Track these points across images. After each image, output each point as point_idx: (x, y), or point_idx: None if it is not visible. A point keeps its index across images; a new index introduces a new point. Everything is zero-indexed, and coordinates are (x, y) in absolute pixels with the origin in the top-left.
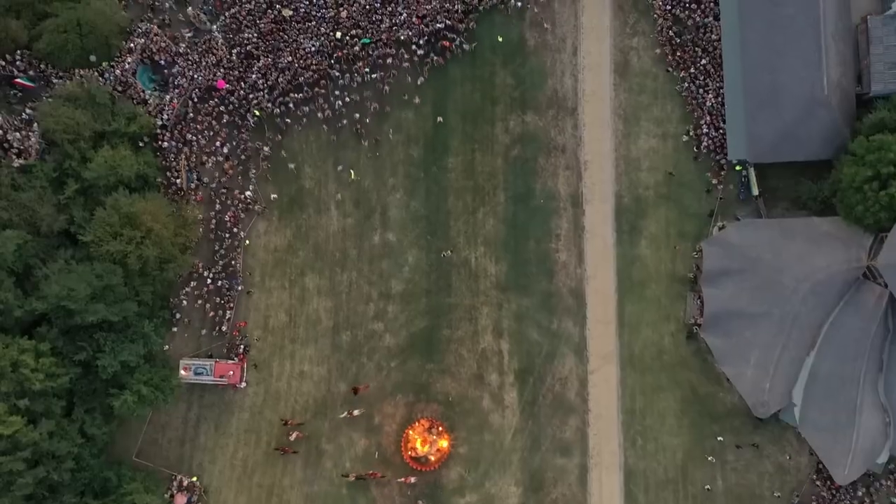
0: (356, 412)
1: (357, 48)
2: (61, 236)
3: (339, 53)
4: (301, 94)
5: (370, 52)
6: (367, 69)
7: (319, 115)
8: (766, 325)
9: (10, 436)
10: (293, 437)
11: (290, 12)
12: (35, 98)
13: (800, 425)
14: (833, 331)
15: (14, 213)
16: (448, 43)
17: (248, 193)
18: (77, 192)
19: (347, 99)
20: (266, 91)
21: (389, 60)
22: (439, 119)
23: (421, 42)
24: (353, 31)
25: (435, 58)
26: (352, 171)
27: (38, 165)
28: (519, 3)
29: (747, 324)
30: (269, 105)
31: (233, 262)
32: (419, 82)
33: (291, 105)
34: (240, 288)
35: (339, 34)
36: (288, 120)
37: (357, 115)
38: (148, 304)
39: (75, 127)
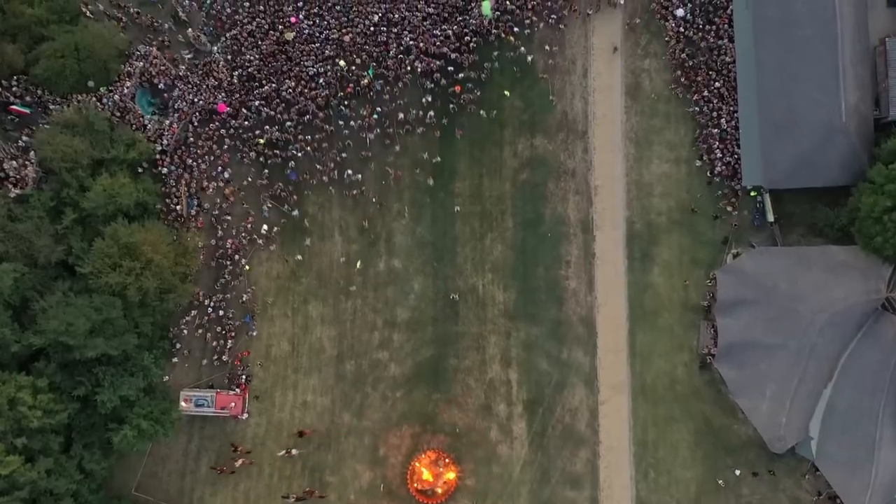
0: (294, 451)
1: (365, 81)
2: (59, 267)
3: (348, 89)
4: (305, 137)
5: (376, 90)
6: (375, 116)
7: (321, 172)
8: (782, 357)
9: (8, 475)
10: (239, 463)
11: (293, 34)
12: (31, 125)
13: (817, 459)
14: (851, 363)
15: (10, 244)
16: (459, 87)
17: (262, 229)
18: (75, 222)
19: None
20: (274, 129)
21: (400, 116)
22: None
23: (429, 85)
24: (357, 60)
25: (444, 120)
26: (359, 262)
27: (36, 195)
28: (527, 53)
29: (763, 355)
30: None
31: (242, 301)
32: (432, 140)
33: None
34: (254, 333)
35: (342, 62)
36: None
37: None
38: (147, 335)
39: (73, 155)
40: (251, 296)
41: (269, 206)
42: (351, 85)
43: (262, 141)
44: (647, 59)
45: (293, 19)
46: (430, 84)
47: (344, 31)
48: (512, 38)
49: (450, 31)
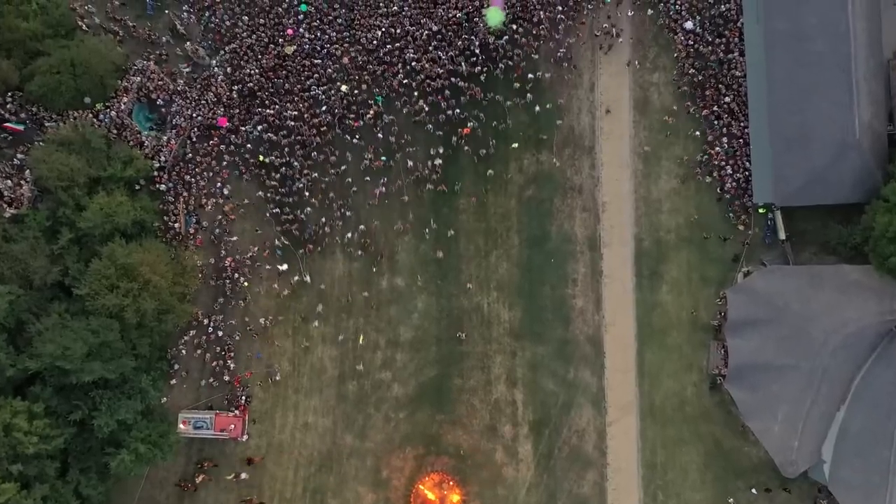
0: (243, 475)
1: (372, 112)
2: (55, 288)
3: (356, 124)
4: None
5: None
6: (383, 157)
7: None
8: (795, 379)
9: (4, 503)
10: (200, 479)
11: (293, 48)
12: (26, 143)
13: (830, 484)
14: (864, 385)
15: (5, 265)
16: (468, 130)
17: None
18: (71, 242)
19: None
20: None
21: (409, 164)
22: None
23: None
24: (363, 85)
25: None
26: (361, 336)
27: (31, 215)
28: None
29: (774, 377)
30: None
31: (249, 329)
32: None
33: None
34: (260, 355)
35: (344, 88)
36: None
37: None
38: (145, 356)
39: (69, 173)
40: (249, 310)
41: (282, 244)
42: (359, 120)
43: (261, 158)
44: (655, 72)
45: (290, 31)
46: (443, 111)
47: (345, 48)
48: (520, 84)
49: (452, 54)
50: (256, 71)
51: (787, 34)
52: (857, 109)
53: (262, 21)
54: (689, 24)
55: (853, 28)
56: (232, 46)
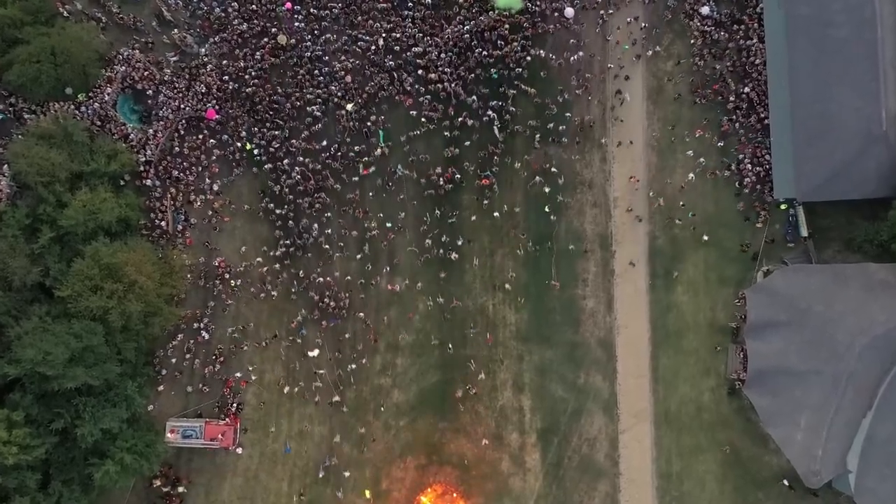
0: (181, 489)
1: (378, 152)
2: (35, 290)
3: (364, 172)
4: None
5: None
6: (389, 184)
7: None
8: (818, 384)
9: None
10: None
11: (286, 38)
12: (4, 136)
13: (856, 495)
14: (892, 391)
15: None
16: (486, 181)
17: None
18: (52, 241)
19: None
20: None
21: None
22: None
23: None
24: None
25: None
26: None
27: (9, 212)
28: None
29: (796, 382)
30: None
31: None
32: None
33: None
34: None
35: (349, 106)
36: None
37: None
38: (131, 361)
39: (50, 168)
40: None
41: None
42: (367, 169)
43: (248, 146)
44: (669, 60)
45: (288, 5)
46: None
47: (344, 60)
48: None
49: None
50: (251, 65)
51: (810, 20)
52: (884, 99)
53: (253, 7)
54: (705, 9)
55: (880, 13)
56: (223, 34)
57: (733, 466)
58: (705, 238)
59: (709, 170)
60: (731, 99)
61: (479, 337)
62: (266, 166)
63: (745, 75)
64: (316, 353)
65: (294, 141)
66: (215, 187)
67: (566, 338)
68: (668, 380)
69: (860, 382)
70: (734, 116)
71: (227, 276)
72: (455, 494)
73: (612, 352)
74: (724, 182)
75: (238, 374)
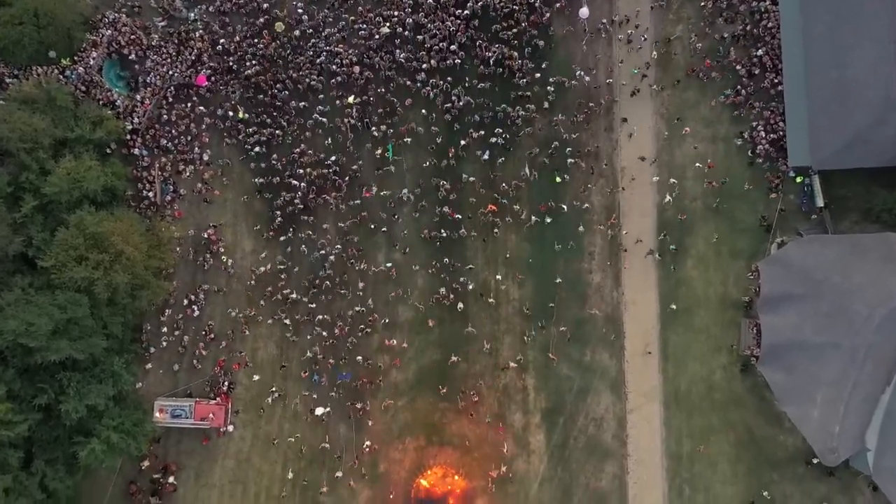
0: (171, 479)
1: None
2: (18, 261)
3: (366, 194)
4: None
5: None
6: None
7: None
8: (835, 359)
9: None
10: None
11: (283, 27)
12: None
13: (874, 474)
14: None
15: None
16: (494, 207)
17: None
18: (35, 210)
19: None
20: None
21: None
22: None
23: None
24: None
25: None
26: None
27: None
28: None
29: (813, 357)
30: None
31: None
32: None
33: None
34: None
35: (350, 99)
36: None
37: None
38: (117, 337)
39: (33, 134)
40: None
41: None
42: (370, 191)
43: (241, 115)
44: (679, 24)
45: None
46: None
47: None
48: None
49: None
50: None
51: None
52: None
53: None
54: None
55: None
56: (216, 4)
57: (747, 446)
58: (715, 208)
59: (719, 138)
60: (744, 63)
61: (481, 313)
62: (262, 179)
63: (757, 39)
64: (321, 411)
65: (297, 150)
66: (205, 157)
67: (572, 314)
68: (678, 357)
69: (879, 355)
70: (743, 84)
71: (217, 248)
72: (456, 477)
73: (619, 328)
74: (737, 150)
75: (241, 352)
